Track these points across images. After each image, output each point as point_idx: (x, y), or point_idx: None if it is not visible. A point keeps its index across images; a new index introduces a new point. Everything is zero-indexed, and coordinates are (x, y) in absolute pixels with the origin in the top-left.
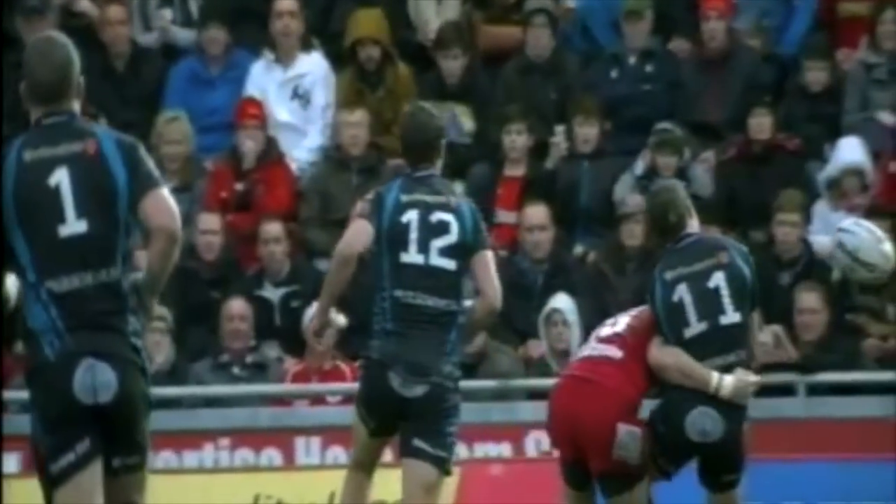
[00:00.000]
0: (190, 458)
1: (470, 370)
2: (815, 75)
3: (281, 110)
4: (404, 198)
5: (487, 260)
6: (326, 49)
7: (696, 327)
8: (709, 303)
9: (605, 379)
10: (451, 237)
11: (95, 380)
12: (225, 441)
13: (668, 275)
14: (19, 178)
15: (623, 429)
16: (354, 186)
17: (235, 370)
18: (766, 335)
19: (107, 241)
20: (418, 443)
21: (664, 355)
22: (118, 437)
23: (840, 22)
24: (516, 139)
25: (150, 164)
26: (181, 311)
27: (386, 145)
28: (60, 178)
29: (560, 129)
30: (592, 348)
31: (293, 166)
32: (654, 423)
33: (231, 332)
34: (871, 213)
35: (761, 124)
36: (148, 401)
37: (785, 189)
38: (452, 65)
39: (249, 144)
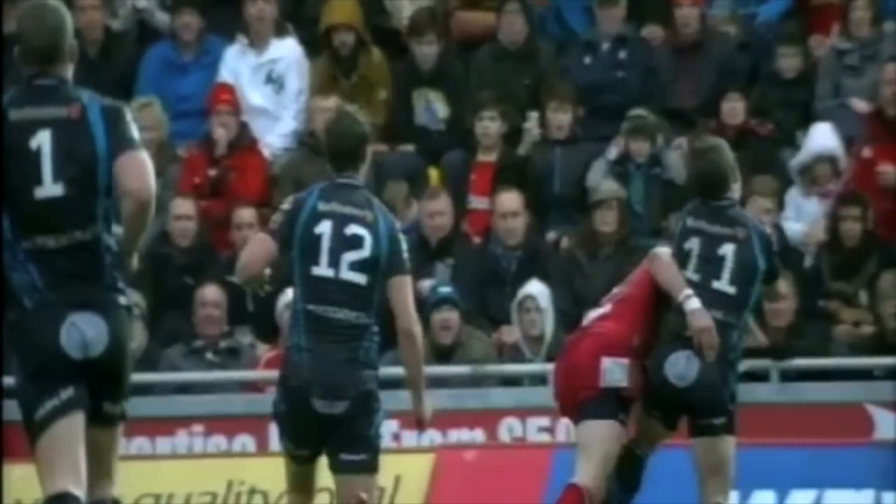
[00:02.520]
0: (163, 444)
1: (444, 356)
2: (788, 62)
3: (254, 95)
4: (321, 206)
5: (402, 285)
6: (300, 35)
7: (691, 276)
8: (710, 265)
9: (595, 327)
10: (364, 252)
11: (85, 335)
12: (198, 427)
13: (690, 222)
14: (2, 137)
15: (607, 360)
16: (328, 172)
17: (208, 356)
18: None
19: (83, 205)
20: (346, 456)
21: (665, 253)
22: (104, 386)
23: (813, 9)
24: (489, 125)
25: (132, 127)
26: (154, 296)
27: None
28: (42, 140)
29: (533, 115)
30: (587, 319)
31: (266, 152)
32: (647, 375)
33: (204, 317)
34: (843, 199)
35: (734, 109)
36: (130, 344)
37: (758, 175)
38: (426, 51)
39: (220, 132)
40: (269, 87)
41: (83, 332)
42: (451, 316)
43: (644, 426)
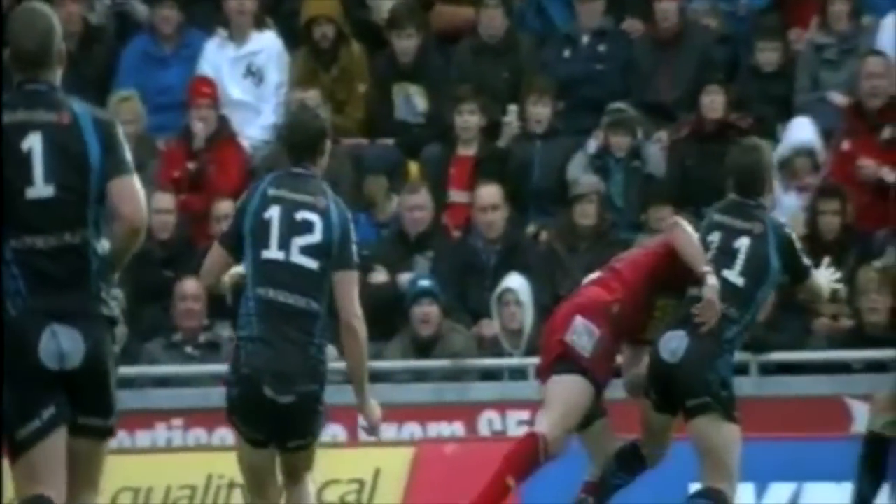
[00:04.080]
0: (142, 437)
1: (423, 350)
2: (767, 56)
3: (234, 88)
4: (271, 192)
5: (348, 280)
6: (281, 28)
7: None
8: (724, 256)
9: (579, 292)
10: (315, 237)
11: (61, 346)
12: (178, 421)
13: (717, 217)
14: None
15: (580, 320)
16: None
17: (188, 350)
18: None
19: (73, 208)
20: (292, 443)
21: (687, 223)
22: (85, 400)
23: (791, 3)
24: (469, 119)
25: (126, 147)
26: (134, 290)
27: (339, 125)
28: (33, 142)
29: (513, 108)
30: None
31: (246, 145)
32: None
33: (184, 311)
34: (822, 192)
35: (714, 102)
36: (115, 357)
37: None
38: (406, 44)
39: (199, 125)
40: (249, 80)
41: (60, 343)
42: (430, 309)
43: (645, 417)
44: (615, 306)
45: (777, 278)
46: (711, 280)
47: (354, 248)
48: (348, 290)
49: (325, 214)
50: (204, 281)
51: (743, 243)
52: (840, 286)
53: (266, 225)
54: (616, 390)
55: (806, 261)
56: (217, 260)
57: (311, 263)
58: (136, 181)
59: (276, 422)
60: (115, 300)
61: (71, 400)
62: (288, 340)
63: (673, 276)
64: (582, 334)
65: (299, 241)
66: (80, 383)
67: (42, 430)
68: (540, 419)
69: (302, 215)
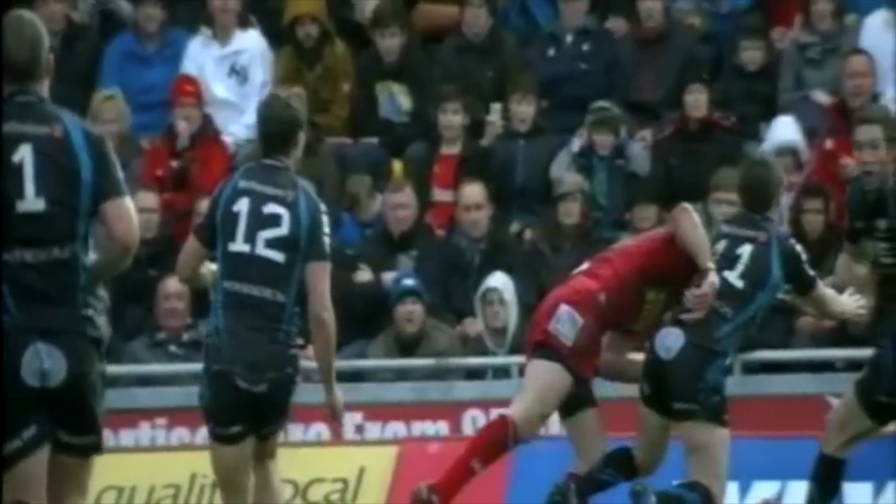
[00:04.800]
0: (126, 436)
1: (407, 349)
2: (751, 54)
3: (218, 87)
4: (242, 184)
5: (318, 271)
6: (264, 26)
7: None
8: (727, 260)
9: (568, 281)
10: (281, 230)
11: (43, 364)
12: (161, 420)
13: (724, 228)
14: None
15: (564, 307)
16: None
17: (172, 348)
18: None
19: (63, 222)
20: (265, 430)
21: (695, 214)
22: (68, 418)
23: (775, 2)
24: (452, 118)
25: (118, 167)
26: (117, 289)
27: (323, 123)
28: (24, 154)
29: (496, 107)
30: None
31: (230, 144)
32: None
33: (167, 310)
34: (805, 191)
35: (697, 101)
36: (101, 376)
37: (721, 167)
38: (390, 43)
39: (183, 124)
40: (233, 78)
41: (42, 360)
42: (414, 308)
43: (641, 418)
44: (602, 295)
45: (778, 286)
46: (713, 276)
47: (326, 239)
48: (318, 281)
49: (293, 207)
50: (180, 274)
51: (746, 249)
52: (864, 314)
53: (234, 217)
54: (613, 389)
55: (811, 272)
56: (192, 252)
57: (277, 256)
58: (129, 202)
59: (253, 411)
60: (99, 301)
61: (54, 418)
62: (254, 329)
63: (665, 271)
64: (565, 322)
65: (265, 234)
66: (61, 401)
67: (22, 451)
68: (513, 403)
69: (270, 208)
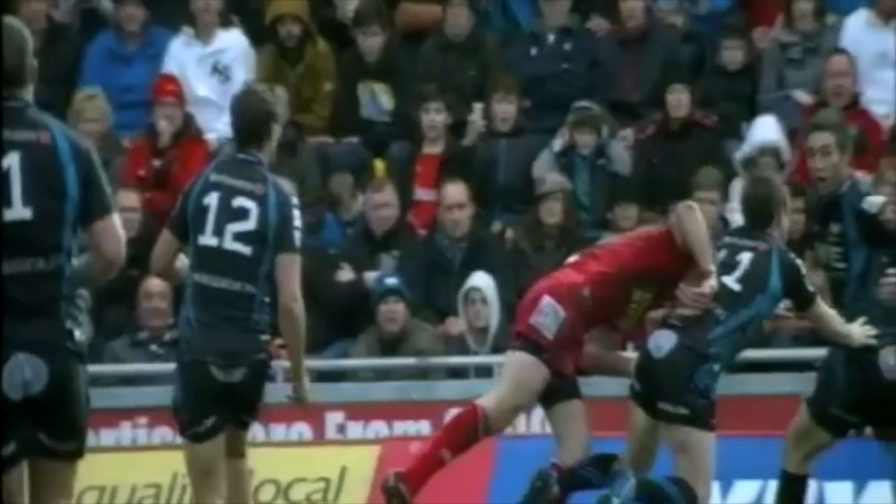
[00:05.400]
0: (107, 436)
1: (389, 348)
2: (732, 54)
3: (200, 86)
4: (213, 177)
5: (287, 263)
6: (246, 26)
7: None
8: (726, 266)
9: (555, 273)
10: (249, 224)
11: (24, 375)
12: (143, 419)
13: (727, 239)
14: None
15: (547, 299)
16: (272, 163)
17: (153, 348)
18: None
19: (49, 232)
20: (248, 416)
21: (699, 213)
22: (50, 424)
23: (756, 1)
24: (434, 117)
25: (104, 179)
26: (99, 289)
27: (305, 123)
28: (11, 162)
29: (478, 106)
30: None
31: (211, 143)
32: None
33: (149, 310)
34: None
35: (679, 100)
36: (85, 385)
37: (703, 167)
38: (371, 42)
39: (164, 123)
40: (215, 77)
41: (24, 372)
42: (396, 307)
43: (632, 421)
44: (586, 290)
45: (776, 296)
46: (713, 280)
47: (297, 233)
48: (286, 272)
49: (262, 201)
50: (154, 267)
51: (745, 256)
52: (874, 342)
53: (204, 211)
54: (606, 388)
55: (810, 288)
56: (165, 245)
57: (245, 249)
58: (116, 219)
59: (228, 400)
60: (81, 299)
61: (37, 425)
62: (225, 320)
63: (653, 271)
64: (548, 315)
65: (233, 227)
66: (44, 407)
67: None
68: (488, 394)
69: (239, 202)
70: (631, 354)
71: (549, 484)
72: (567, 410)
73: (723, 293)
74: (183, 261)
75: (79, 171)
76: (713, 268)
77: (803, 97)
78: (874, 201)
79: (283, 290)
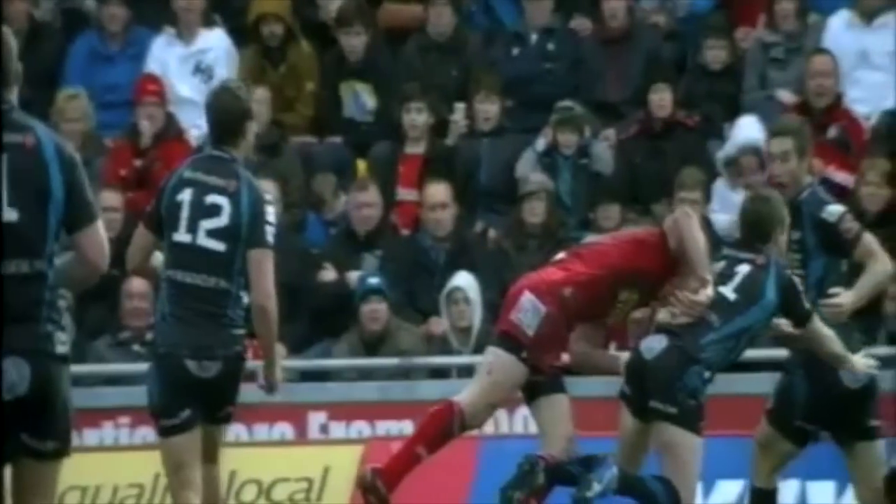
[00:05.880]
0: (90, 436)
1: (372, 348)
2: (715, 54)
3: (182, 86)
4: (187, 174)
5: (260, 259)
6: (229, 25)
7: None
8: (724, 277)
9: (539, 270)
10: (222, 220)
11: (11, 377)
12: (125, 419)
13: (726, 250)
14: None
15: (527, 296)
16: (255, 164)
17: (135, 348)
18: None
19: (34, 236)
20: (217, 413)
21: (696, 221)
22: (34, 425)
23: (739, 1)
24: (416, 117)
25: (88, 186)
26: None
27: (288, 123)
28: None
29: (460, 106)
30: None
31: (193, 142)
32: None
33: (131, 309)
34: None
35: (662, 100)
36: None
37: (685, 166)
38: (354, 42)
39: (146, 123)
40: (198, 77)
41: (9, 373)
42: (379, 307)
43: (621, 425)
44: (568, 289)
45: (770, 309)
46: (709, 289)
47: (269, 228)
48: (259, 268)
49: (234, 198)
50: (130, 263)
51: (743, 268)
52: (875, 371)
53: (178, 207)
54: (594, 388)
55: (806, 306)
56: (140, 241)
57: (218, 246)
58: (100, 226)
59: (203, 394)
60: (63, 300)
61: (20, 426)
62: (200, 315)
63: (639, 273)
64: (528, 312)
65: (207, 224)
66: (27, 407)
67: None
68: (465, 390)
69: (211, 199)
70: (623, 354)
71: (535, 471)
72: (550, 404)
73: (718, 301)
74: (158, 258)
75: (64, 175)
76: (709, 276)
77: (786, 97)
78: (834, 210)
79: (255, 287)
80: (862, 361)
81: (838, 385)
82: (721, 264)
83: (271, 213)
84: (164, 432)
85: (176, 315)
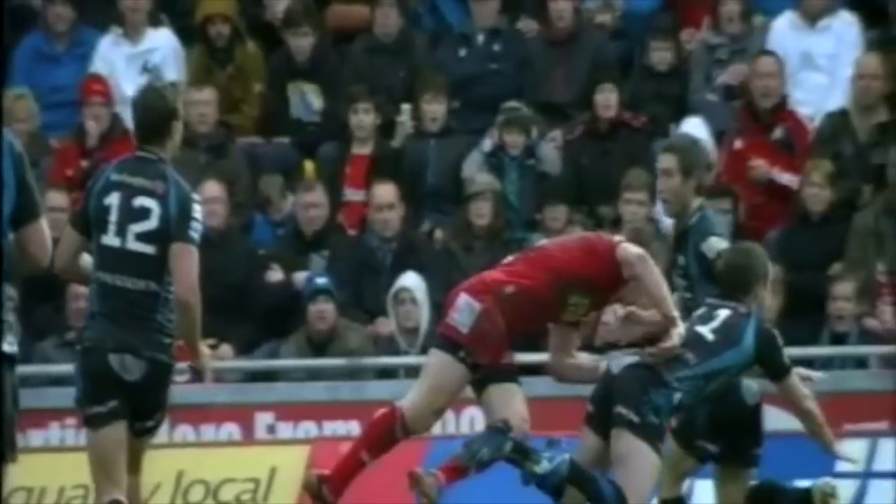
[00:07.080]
0: (36, 437)
1: (319, 348)
2: (661, 55)
3: (129, 86)
4: (114, 177)
5: (182, 253)
6: (176, 25)
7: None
8: (702, 319)
9: (483, 272)
10: (151, 223)
11: None
12: (71, 420)
13: (709, 300)
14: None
15: (463, 297)
16: (202, 164)
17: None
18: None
19: None
20: (141, 424)
21: (652, 263)
22: None
23: (684, 2)
24: (363, 118)
25: (35, 188)
26: (26, 289)
27: (234, 123)
28: None
29: (407, 107)
30: None
31: None
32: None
33: (77, 310)
34: (713, 192)
35: (608, 100)
36: (13, 389)
37: (631, 167)
38: (301, 43)
39: (92, 124)
40: (145, 77)
41: None
42: (326, 307)
43: (582, 445)
44: (509, 287)
45: (748, 355)
46: (680, 327)
47: (194, 224)
48: (180, 262)
49: (162, 199)
50: (56, 264)
51: (723, 312)
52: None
53: (106, 210)
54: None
55: (785, 360)
56: (68, 242)
57: (148, 249)
58: (44, 223)
59: (127, 395)
60: (10, 300)
61: None
62: (129, 315)
63: (586, 281)
64: (463, 311)
65: (135, 227)
66: None
67: None
68: (408, 394)
69: (140, 201)
70: (602, 364)
71: (507, 436)
72: (501, 390)
73: (695, 340)
74: (86, 259)
75: (15, 172)
76: (676, 313)
77: (730, 78)
78: (713, 246)
79: (179, 281)
80: (845, 450)
81: (737, 400)
82: (702, 310)
83: (198, 210)
84: (92, 422)
85: (104, 313)
